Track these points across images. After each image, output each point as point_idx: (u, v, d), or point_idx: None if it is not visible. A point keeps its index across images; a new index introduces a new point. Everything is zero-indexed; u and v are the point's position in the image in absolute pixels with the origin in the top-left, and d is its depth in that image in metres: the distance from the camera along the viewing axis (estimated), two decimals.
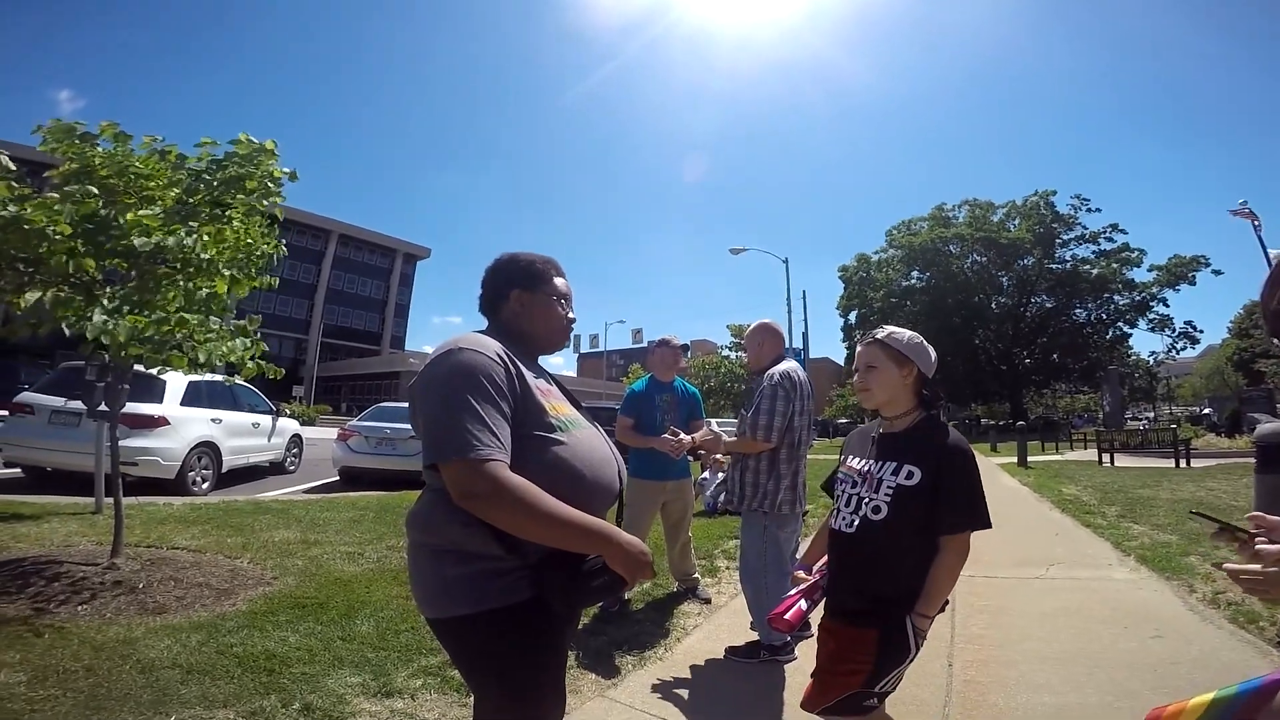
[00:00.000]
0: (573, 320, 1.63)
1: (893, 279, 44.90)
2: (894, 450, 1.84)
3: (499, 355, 1.37)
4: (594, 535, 1.30)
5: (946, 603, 1.83)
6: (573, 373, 73.30)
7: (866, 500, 1.81)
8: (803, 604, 1.87)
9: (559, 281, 1.60)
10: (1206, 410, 35.82)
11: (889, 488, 1.78)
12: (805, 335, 28.11)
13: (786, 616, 1.84)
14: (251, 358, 4.05)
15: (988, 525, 1.75)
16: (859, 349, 1.94)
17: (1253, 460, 5.08)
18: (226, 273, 3.90)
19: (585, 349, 64.23)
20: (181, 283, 3.73)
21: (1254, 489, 4.72)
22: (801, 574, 2.00)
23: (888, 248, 46.32)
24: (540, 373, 1.54)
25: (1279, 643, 3.16)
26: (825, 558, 1.95)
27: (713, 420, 14.05)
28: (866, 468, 1.86)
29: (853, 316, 45.27)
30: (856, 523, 1.81)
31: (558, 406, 1.46)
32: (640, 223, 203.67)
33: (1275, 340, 0.99)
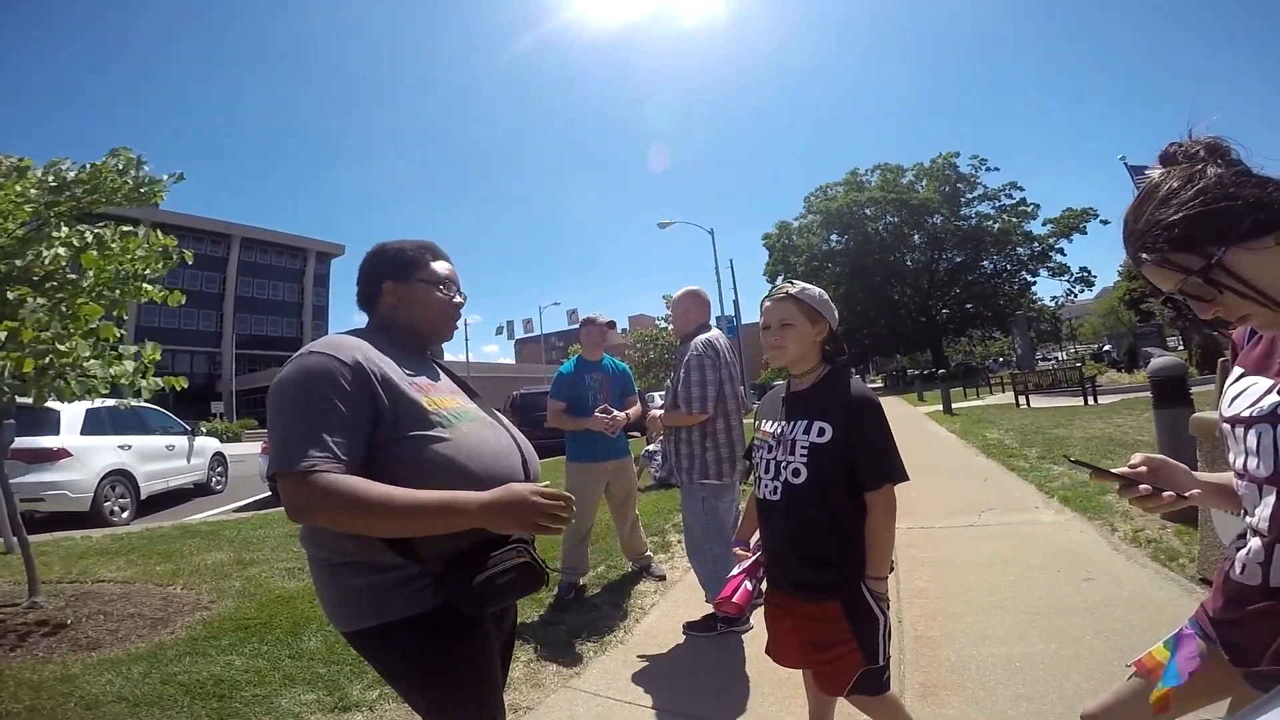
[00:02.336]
0: (459, 303, 1.54)
1: (814, 243, 46.14)
2: (803, 408, 1.80)
3: (354, 358, 1.27)
4: (448, 509, 1.20)
5: (892, 563, 1.83)
6: (510, 359, 72.32)
7: (784, 464, 1.77)
8: (748, 584, 1.84)
9: (437, 266, 1.51)
10: (1106, 348, 38.62)
11: (803, 447, 1.75)
12: (736, 303, 28.70)
13: (734, 599, 1.82)
14: (142, 376, 3.78)
15: (903, 478, 1.73)
16: (768, 304, 1.87)
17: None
18: (108, 294, 3.61)
19: (520, 334, 63.50)
20: (37, 303, 3.41)
21: (1154, 423, 5.07)
22: (739, 550, 1.96)
23: (806, 213, 47.54)
24: (422, 367, 1.45)
25: (1201, 579, 3.35)
26: (758, 531, 1.94)
27: (655, 394, 14.11)
28: (779, 430, 1.82)
29: (779, 282, 46.31)
30: (779, 489, 1.78)
31: (440, 401, 1.37)
32: (567, 203, 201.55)
33: (1143, 255, 1.02)
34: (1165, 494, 1.12)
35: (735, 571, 1.90)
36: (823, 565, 1.75)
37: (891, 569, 1.80)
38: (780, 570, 1.84)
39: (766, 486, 1.82)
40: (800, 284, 1.89)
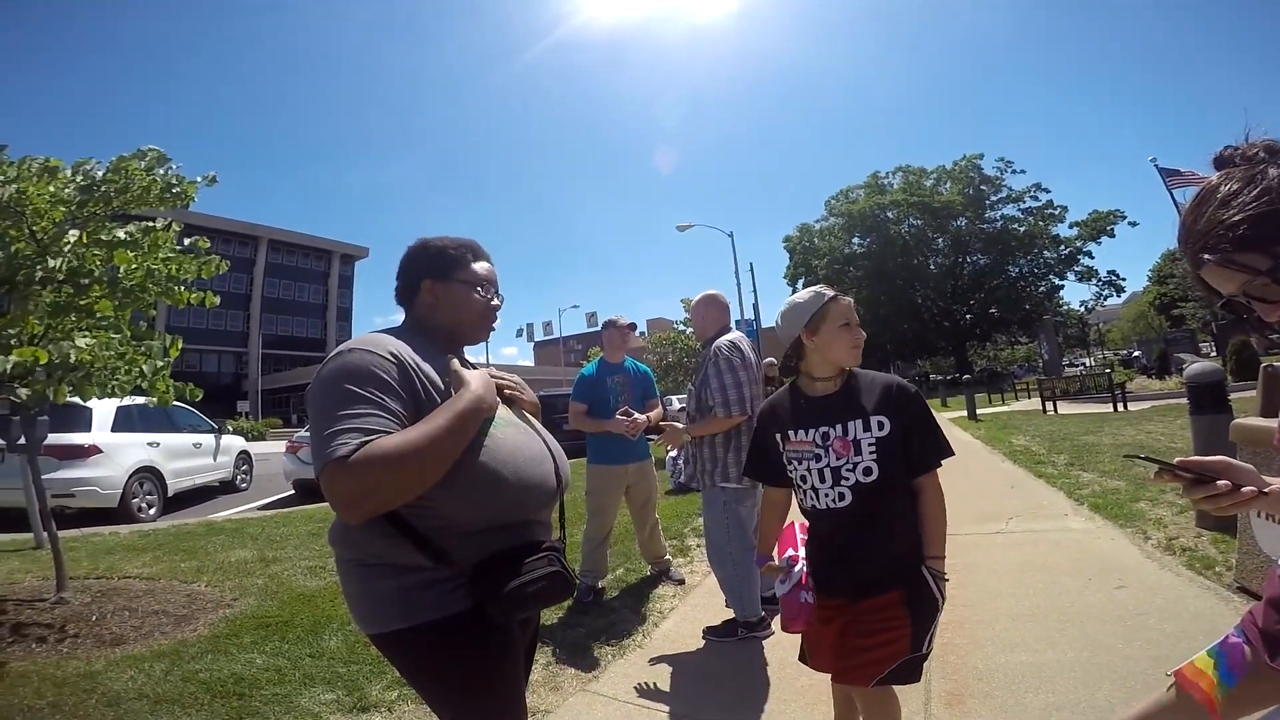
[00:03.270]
0: (496, 306, 1.51)
1: (835, 246, 45.94)
2: (843, 409, 1.78)
3: (393, 354, 1.26)
4: (465, 414, 1.24)
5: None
6: (529, 361, 72.73)
7: (849, 466, 1.73)
8: (806, 597, 1.79)
9: (477, 266, 1.49)
10: (1136, 353, 37.87)
11: (870, 445, 1.72)
12: (755, 306, 28.55)
13: (802, 620, 1.77)
14: (159, 376, 3.80)
15: (952, 453, 1.80)
16: (848, 301, 1.86)
17: (1184, 401, 5.32)
18: (139, 294, 3.65)
19: (540, 337, 63.90)
20: (44, 298, 3.45)
21: (1190, 430, 4.94)
22: (775, 563, 1.88)
23: (828, 216, 47.37)
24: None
25: (1239, 588, 3.25)
26: (785, 544, 1.89)
27: (674, 398, 14.09)
28: (823, 435, 1.78)
29: (800, 285, 46.25)
30: (847, 493, 1.73)
31: None
32: (586, 206, 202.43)
33: (1205, 256, 0.98)
34: (1245, 489, 1.04)
35: (786, 589, 1.81)
36: (890, 559, 1.73)
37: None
38: (844, 575, 1.77)
39: (826, 496, 1.77)
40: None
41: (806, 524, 1.92)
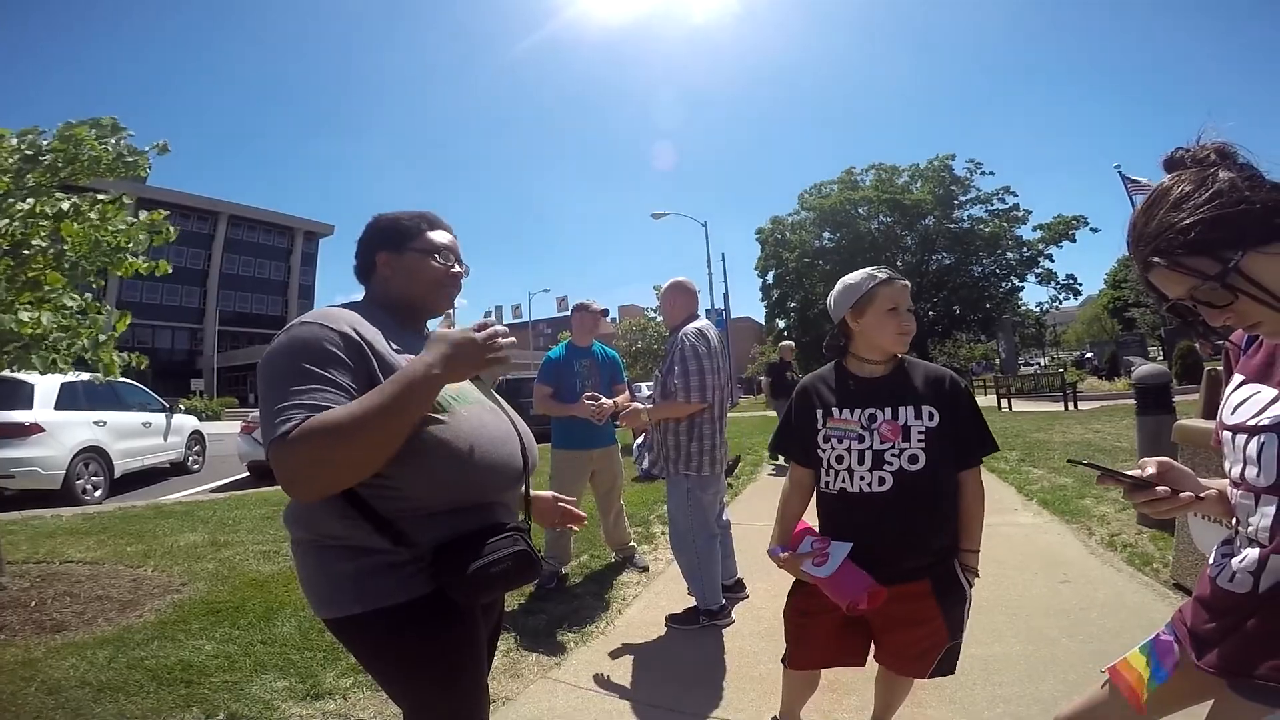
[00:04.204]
0: (456, 274, 1.46)
1: (806, 240, 46.24)
2: (892, 393, 1.74)
3: (345, 328, 1.22)
4: (412, 383, 1.14)
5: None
6: None
7: (894, 451, 1.70)
8: (868, 576, 1.67)
9: (433, 235, 1.44)
10: (1089, 355, 39.12)
11: (920, 433, 1.70)
12: (726, 296, 28.75)
13: (865, 589, 1.65)
14: (103, 347, 3.66)
15: (996, 447, 1.81)
16: (900, 285, 1.80)
17: (1132, 402, 5.50)
18: (85, 264, 3.50)
19: (509, 319, 63.16)
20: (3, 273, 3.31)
21: (1136, 430, 5.12)
22: (795, 554, 1.77)
23: (800, 210, 47.65)
24: (417, 343, 1.37)
25: (1175, 584, 3.38)
26: (806, 529, 1.84)
27: (643, 384, 14.13)
28: (870, 417, 1.73)
29: (770, 277, 46.59)
30: (888, 478, 1.69)
31: None
32: (559, 191, 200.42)
33: (1154, 259, 0.97)
34: (1183, 495, 1.08)
35: (833, 568, 1.68)
36: (927, 550, 1.73)
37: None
38: (879, 565, 1.69)
39: (862, 480, 1.72)
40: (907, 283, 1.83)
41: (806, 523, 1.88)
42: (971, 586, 1.76)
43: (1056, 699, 2.32)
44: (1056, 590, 3.52)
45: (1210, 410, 3.63)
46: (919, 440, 1.70)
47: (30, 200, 3.32)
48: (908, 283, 1.84)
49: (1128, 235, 1.04)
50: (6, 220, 3.22)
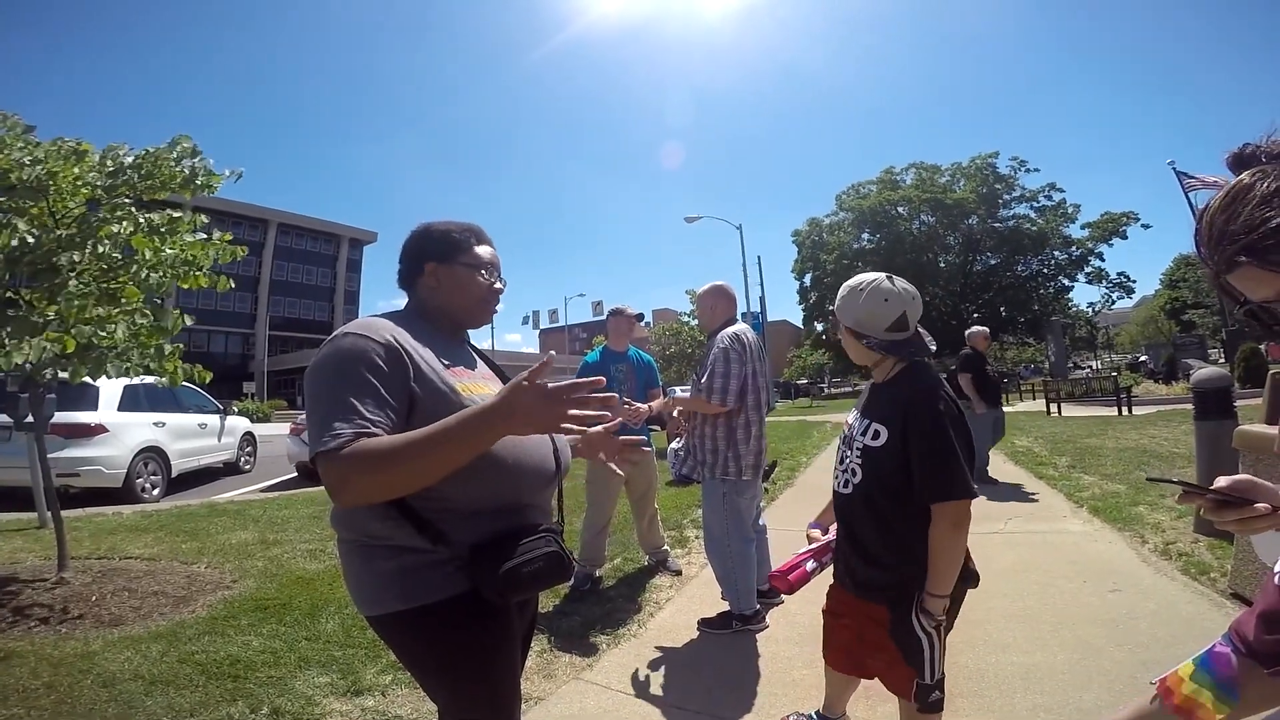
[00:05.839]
0: (498, 289, 1.50)
1: (844, 241, 45.58)
2: (872, 404, 1.80)
3: (387, 338, 1.25)
4: (473, 422, 1.12)
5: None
6: (535, 349, 72.73)
7: (851, 461, 1.76)
8: (810, 564, 1.84)
9: (480, 250, 1.47)
10: (1144, 358, 37.58)
11: (858, 448, 1.73)
12: (762, 299, 28.60)
13: (789, 577, 1.82)
14: (170, 357, 3.82)
15: (964, 495, 1.57)
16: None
17: (1190, 407, 5.28)
18: (155, 276, 3.68)
19: (546, 324, 63.81)
20: (78, 286, 3.48)
21: (1195, 436, 4.91)
22: (816, 533, 1.95)
23: (838, 211, 47.00)
24: (458, 352, 1.44)
25: (1232, 594, 3.23)
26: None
27: (676, 388, 14.21)
28: (853, 423, 1.84)
29: (808, 279, 46.02)
30: (850, 485, 1.77)
31: (474, 387, 1.35)
32: (595, 195, 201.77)
33: (1242, 259, 0.88)
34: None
35: (801, 550, 1.91)
36: (875, 565, 1.73)
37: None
38: (843, 565, 1.84)
39: (838, 479, 1.83)
40: (841, 292, 1.84)
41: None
42: (930, 634, 1.62)
43: (1100, 708, 2.27)
44: (1105, 599, 3.40)
45: (1275, 415, 3.47)
46: (857, 456, 1.74)
47: (125, 223, 3.50)
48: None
49: (1203, 234, 0.96)
50: (107, 244, 3.40)
